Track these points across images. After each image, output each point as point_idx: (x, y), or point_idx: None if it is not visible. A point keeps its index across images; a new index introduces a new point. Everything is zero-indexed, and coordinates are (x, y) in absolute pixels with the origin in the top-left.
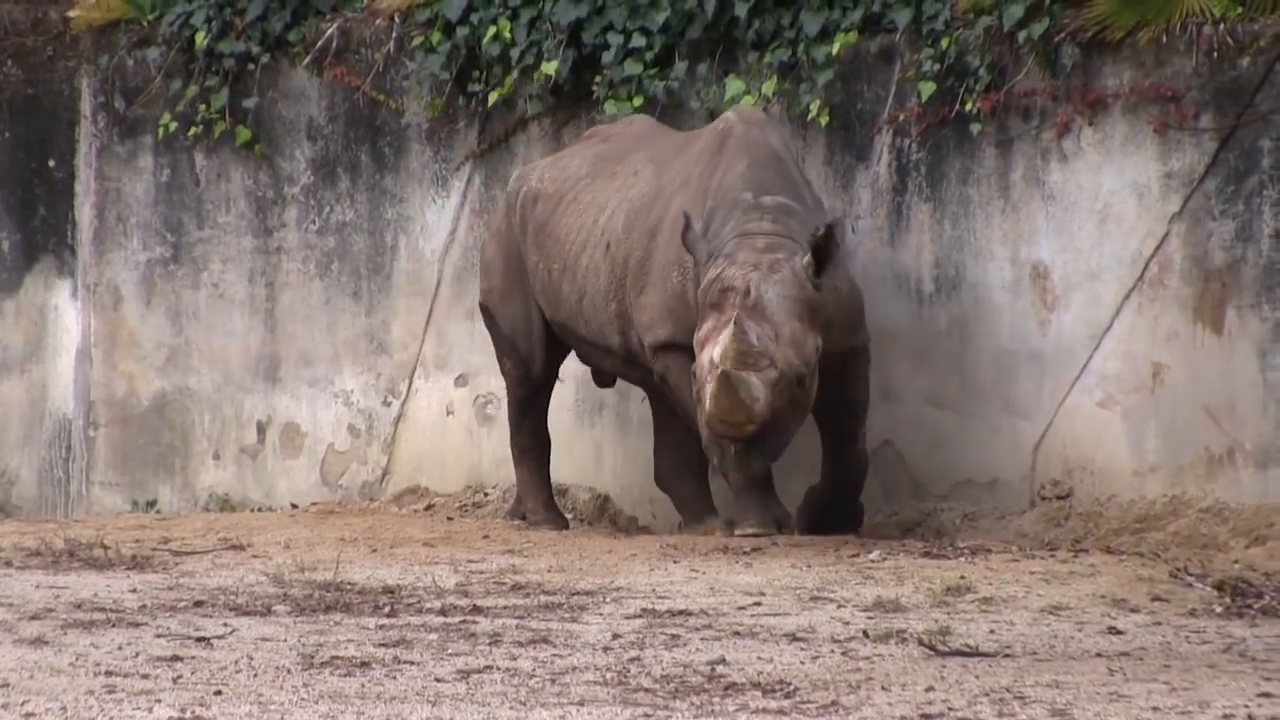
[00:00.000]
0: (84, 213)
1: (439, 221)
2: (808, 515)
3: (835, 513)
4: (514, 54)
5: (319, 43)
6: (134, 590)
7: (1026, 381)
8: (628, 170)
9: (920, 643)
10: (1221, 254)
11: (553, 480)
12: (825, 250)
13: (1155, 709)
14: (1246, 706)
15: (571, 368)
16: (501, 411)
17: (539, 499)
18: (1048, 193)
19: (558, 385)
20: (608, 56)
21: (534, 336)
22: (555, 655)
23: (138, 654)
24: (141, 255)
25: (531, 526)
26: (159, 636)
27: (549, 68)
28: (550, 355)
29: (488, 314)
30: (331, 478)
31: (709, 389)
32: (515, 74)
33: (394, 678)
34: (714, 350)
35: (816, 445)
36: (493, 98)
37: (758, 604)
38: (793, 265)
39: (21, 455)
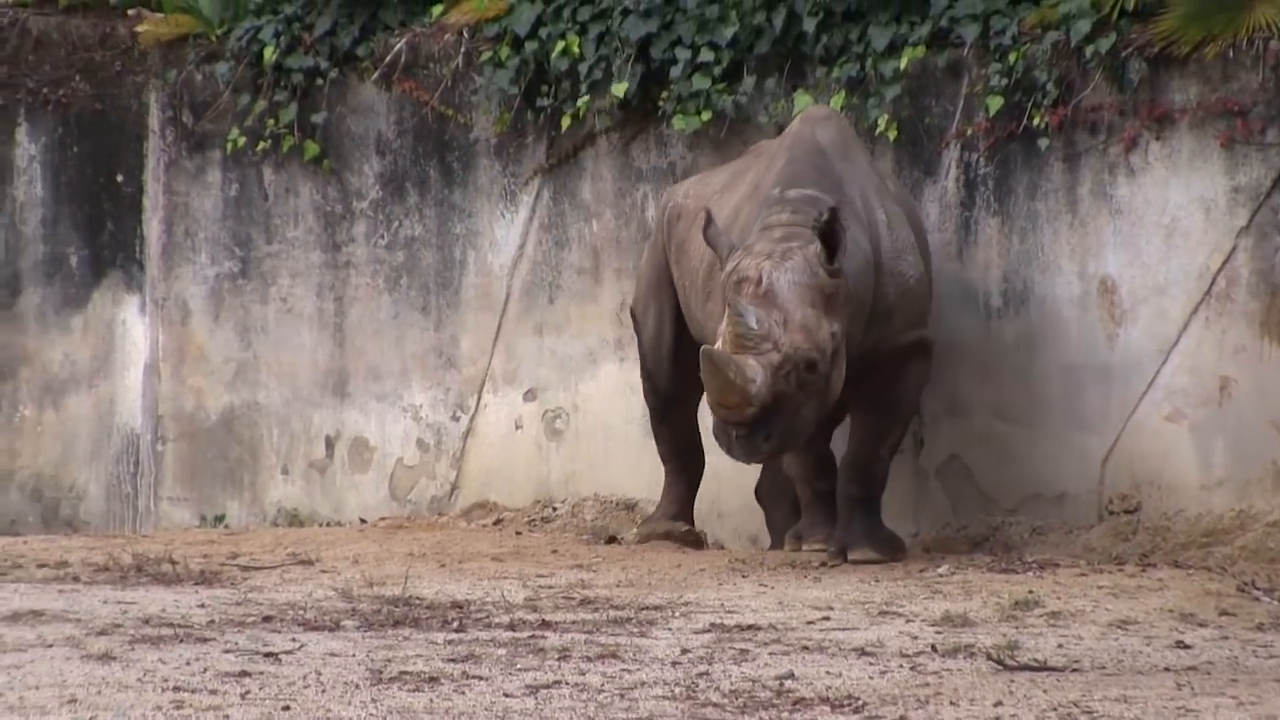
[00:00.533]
0: (152, 227)
1: (507, 236)
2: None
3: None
4: (582, 69)
5: (387, 57)
6: (202, 605)
7: (1094, 396)
8: (742, 183)
9: (989, 657)
10: None
11: (621, 494)
12: (831, 235)
13: None
14: None
15: (639, 382)
16: (569, 426)
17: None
18: (1115, 207)
19: (627, 396)
20: (676, 71)
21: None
22: (624, 670)
23: (206, 669)
24: (210, 270)
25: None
26: (227, 652)
27: (619, 89)
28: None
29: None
30: (400, 492)
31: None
32: (587, 97)
33: (462, 693)
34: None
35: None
36: (565, 121)
37: (826, 619)
38: (805, 253)
39: (90, 470)
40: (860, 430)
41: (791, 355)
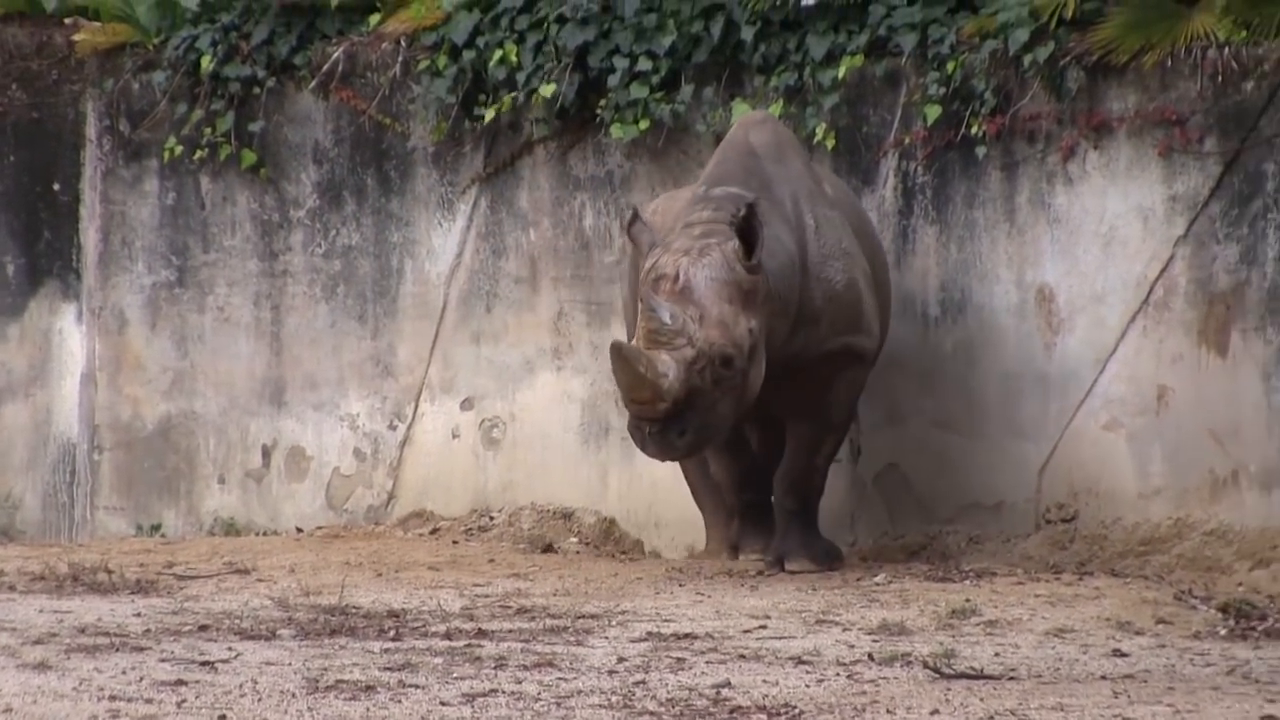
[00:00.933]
0: (89, 236)
1: (445, 245)
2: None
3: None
4: (520, 77)
5: (325, 66)
6: (138, 615)
7: (1032, 404)
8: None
9: (925, 666)
10: (1226, 277)
11: (558, 503)
12: (749, 231)
13: None
14: None
15: (577, 391)
16: (506, 435)
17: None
18: (1053, 216)
19: (564, 405)
20: (613, 80)
21: None
22: (560, 679)
23: (142, 678)
24: (146, 279)
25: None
26: (163, 661)
27: (547, 90)
28: None
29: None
30: (337, 501)
31: None
32: (519, 95)
33: (399, 701)
34: None
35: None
36: (489, 114)
37: (763, 627)
38: (724, 249)
39: (26, 479)
40: (794, 441)
41: (706, 351)
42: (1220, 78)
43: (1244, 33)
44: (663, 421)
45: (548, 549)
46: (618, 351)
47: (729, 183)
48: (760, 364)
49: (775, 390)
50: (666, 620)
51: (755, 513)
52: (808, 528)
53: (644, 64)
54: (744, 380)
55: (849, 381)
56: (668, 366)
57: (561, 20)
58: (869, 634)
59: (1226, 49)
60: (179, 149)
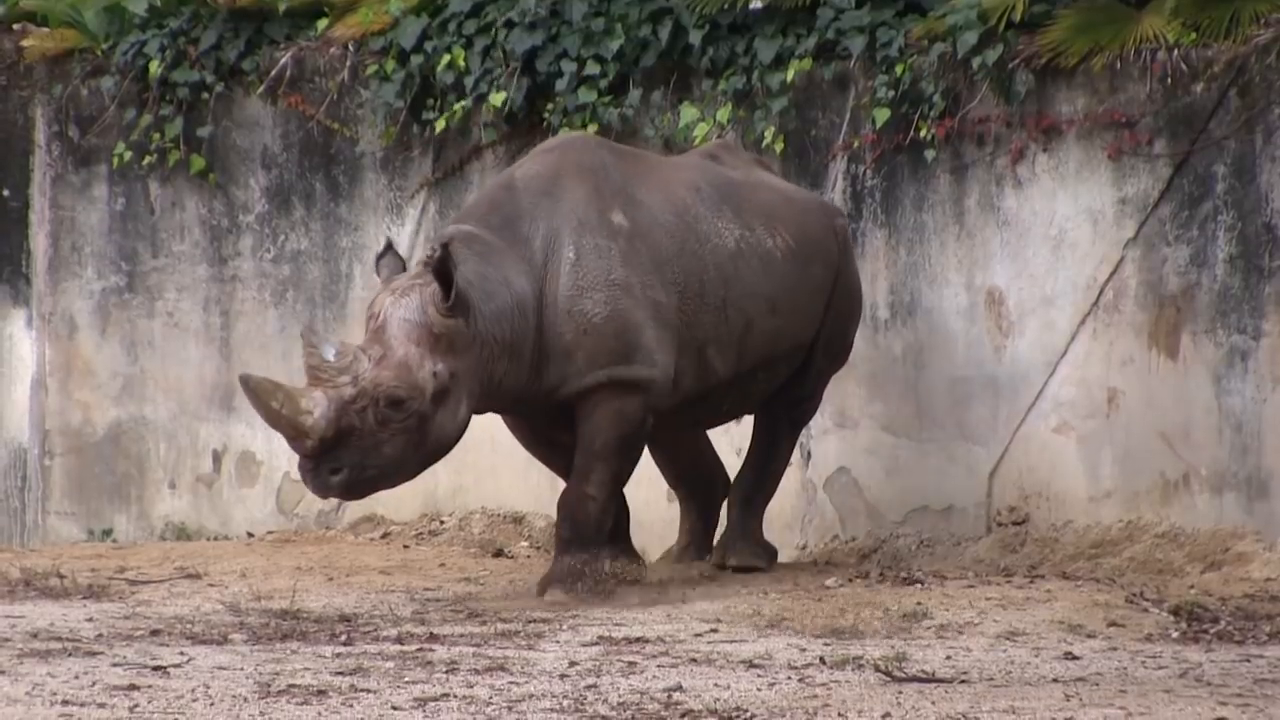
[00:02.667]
0: (38, 242)
1: None
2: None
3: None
4: (468, 82)
5: (273, 72)
6: (90, 619)
7: (982, 408)
8: None
9: (877, 669)
10: (1176, 279)
11: (509, 507)
12: (442, 275)
13: None
14: None
15: None
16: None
17: (678, 540)
18: (1002, 219)
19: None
20: (561, 84)
21: None
22: (512, 683)
23: (94, 683)
24: (96, 284)
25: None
26: (116, 665)
27: (497, 98)
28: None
29: None
30: (288, 506)
31: None
32: (467, 102)
33: (350, 706)
34: None
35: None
36: (440, 124)
37: (714, 631)
38: (424, 292)
39: None
40: (574, 467)
41: (369, 390)
42: (1170, 80)
43: (1193, 35)
44: (313, 458)
45: (499, 553)
46: (245, 385)
47: (470, 219)
48: (457, 407)
49: (550, 418)
50: (618, 624)
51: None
52: (575, 554)
53: (592, 68)
54: (423, 423)
55: (615, 412)
56: (313, 404)
57: (509, 25)
58: (820, 638)
59: (1176, 51)
60: (128, 154)
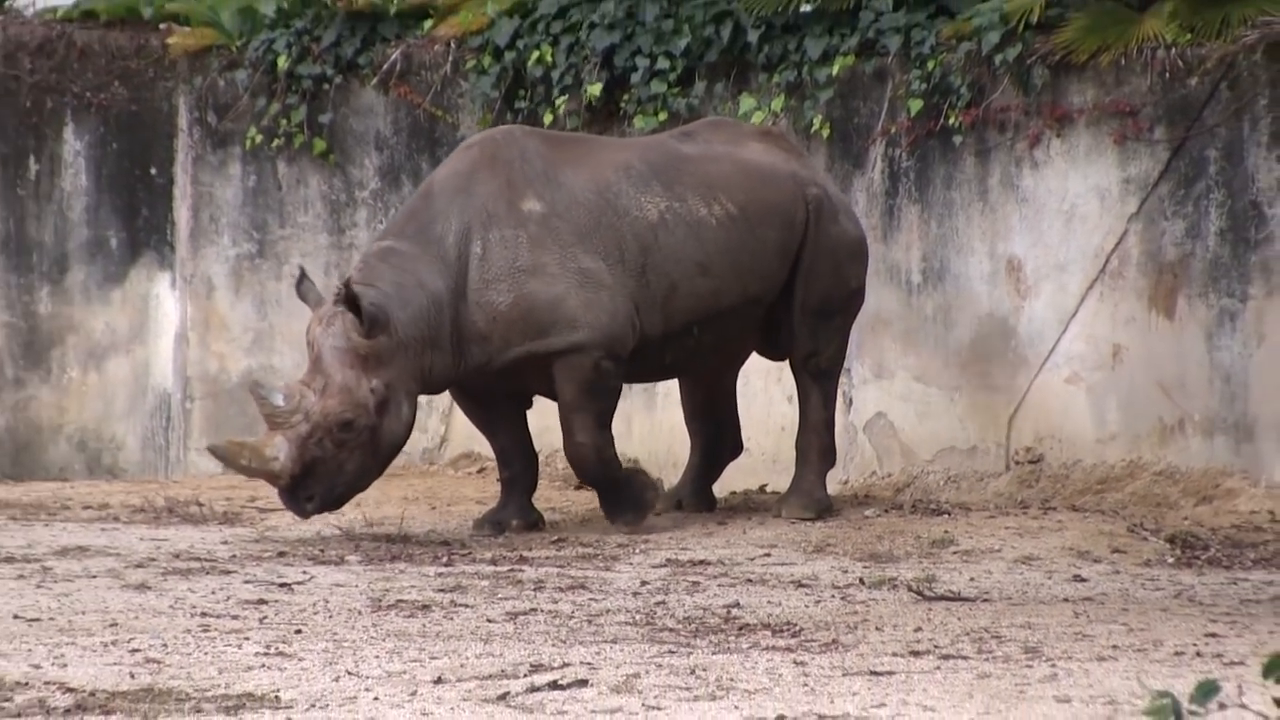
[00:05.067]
0: (181, 214)
1: None
2: None
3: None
4: (555, 75)
5: (385, 65)
6: (225, 542)
7: (1002, 361)
8: None
9: (909, 589)
10: (1173, 249)
11: None
12: (350, 305)
13: (1115, 647)
14: (1195, 645)
15: None
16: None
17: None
18: (1021, 196)
19: None
20: (636, 77)
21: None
22: (591, 599)
23: (228, 598)
24: (231, 251)
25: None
26: (247, 583)
27: (594, 89)
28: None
29: None
30: None
31: None
32: (560, 93)
33: (451, 618)
34: None
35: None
36: (547, 118)
37: (767, 555)
38: (344, 318)
39: (127, 424)
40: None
41: (322, 423)
42: (1168, 74)
43: (1189, 35)
44: (289, 491)
45: (579, 486)
46: (214, 453)
47: (390, 234)
48: (399, 410)
49: (509, 384)
50: (683, 549)
51: (507, 488)
52: (609, 495)
53: (663, 63)
54: (374, 434)
55: (566, 371)
56: (277, 449)
57: (591, 25)
58: (860, 561)
59: (1173, 49)
60: (259, 138)
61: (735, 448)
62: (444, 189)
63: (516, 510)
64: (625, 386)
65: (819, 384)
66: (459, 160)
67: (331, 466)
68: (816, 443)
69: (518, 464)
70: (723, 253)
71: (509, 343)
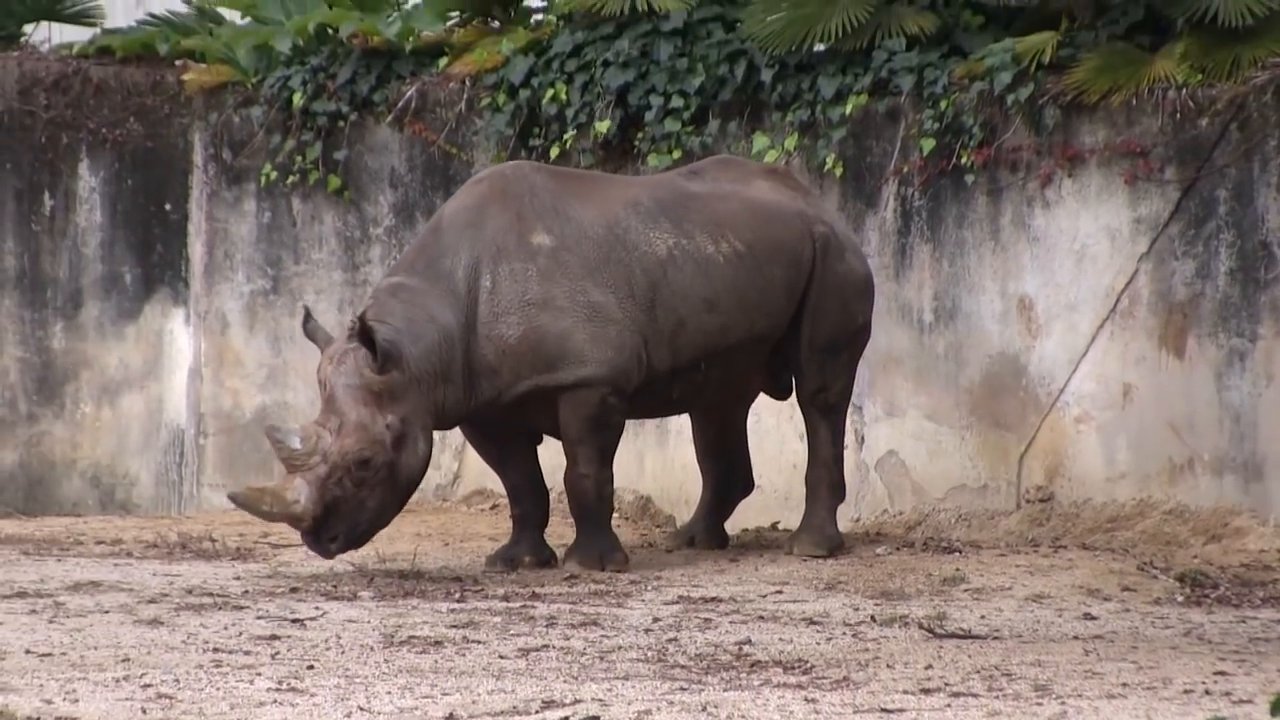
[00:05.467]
0: (196, 250)
1: None
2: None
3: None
4: (569, 113)
5: (400, 103)
6: (238, 578)
7: (1013, 399)
8: None
9: (920, 626)
10: (1183, 289)
11: None
12: (364, 340)
13: (1125, 684)
14: (1204, 683)
15: None
16: None
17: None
18: (1032, 235)
19: None
20: (650, 115)
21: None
22: (603, 636)
23: (241, 633)
24: (245, 287)
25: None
26: (259, 618)
27: (602, 126)
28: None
29: None
30: None
31: None
32: (573, 130)
33: (463, 654)
34: None
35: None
36: (554, 151)
37: (779, 592)
38: (356, 355)
39: (141, 460)
40: (566, 457)
41: (340, 462)
42: (1179, 115)
43: (1199, 76)
44: (312, 533)
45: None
46: (235, 501)
47: (400, 270)
48: (416, 444)
49: (516, 419)
50: (695, 585)
51: (520, 525)
52: (587, 532)
53: (677, 101)
54: (393, 471)
55: (573, 404)
56: (298, 492)
57: (605, 64)
58: (871, 599)
59: (1184, 90)
60: (274, 174)
61: (746, 485)
62: (453, 223)
63: (529, 548)
64: (638, 423)
65: (827, 420)
66: (468, 195)
67: (353, 505)
68: (826, 478)
69: (529, 501)
70: (730, 290)
71: (518, 376)
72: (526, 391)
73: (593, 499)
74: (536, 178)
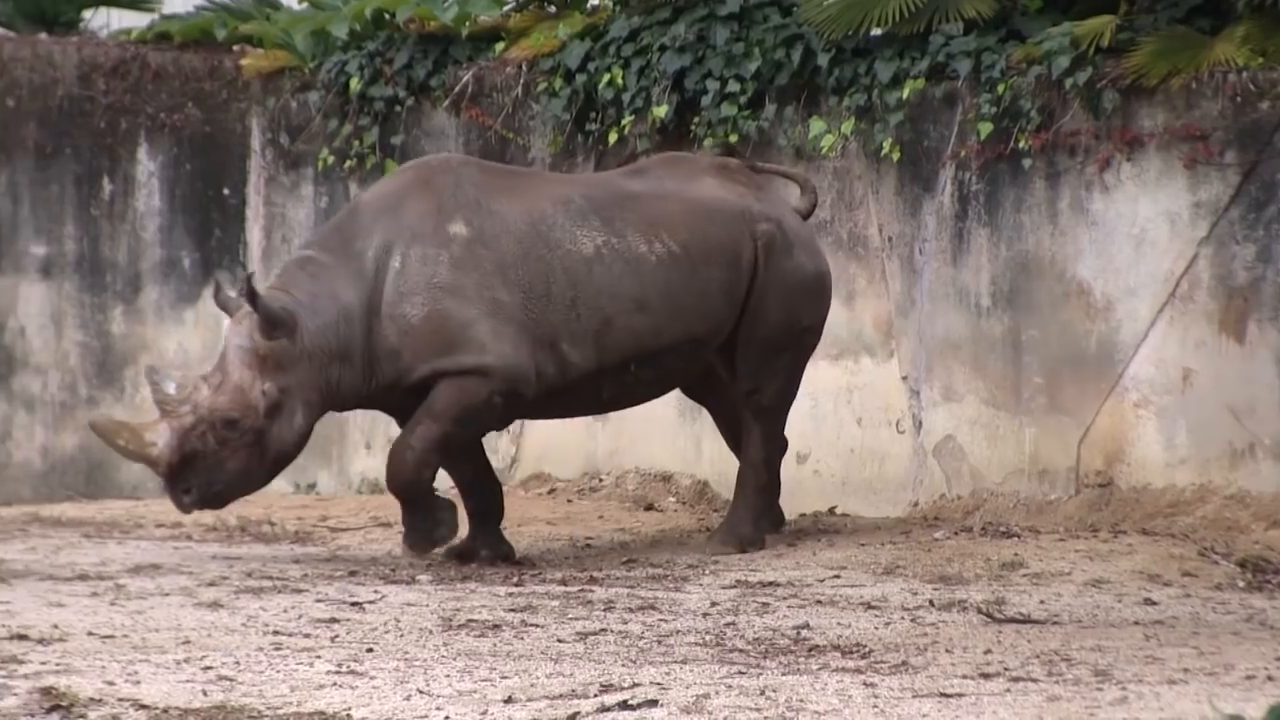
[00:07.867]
0: (253, 234)
1: None
2: None
3: None
4: (625, 98)
5: (457, 88)
6: (297, 561)
7: (1072, 385)
8: None
9: (979, 611)
10: (1243, 273)
11: (659, 467)
12: (250, 300)
13: (1185, 670)
14: (1266, 669)
15: None
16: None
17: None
18: (1091, 220)
19: None
20: (706, 100)
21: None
22: (661, 620)
23: (300, 616)
24: None
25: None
26: (319, 601)
27: (659, 111)
28: None
29: None
30: None
31: None
32: (630, 115)
33: (521, 638)
34: None
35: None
36: (612, 137)
37: (837, 576)
38: (251, 319)
39: None
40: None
41: (206, 417)
42: (1239, 99)
43: (1260, 59)
44: (169, 481)
45: (649, 507)
46: (95, 428)
47: (314, 244)
48: (292, 417)
49: (416, 406)
50: (753, 570)
51: (474, 520)
52: (407, 514)
53: (733, 86)
54: (260, 438)
55: (458, 386)
56: (157, 435)
57: (662, 48)
58: (930, 583)
59: (1244, 73)
60: (331, 159)
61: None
62: (371, 207)
63: (485, 542)
64: (696, 408)
65: (759, 421)
66: (392, 181)
67: (211, 462)
68: (752, 479)
69: (483, 495)
70: (662, 290)
71: (419, 358)
72: (427, 375)
73: (409, 472)
74: (464, 170)
